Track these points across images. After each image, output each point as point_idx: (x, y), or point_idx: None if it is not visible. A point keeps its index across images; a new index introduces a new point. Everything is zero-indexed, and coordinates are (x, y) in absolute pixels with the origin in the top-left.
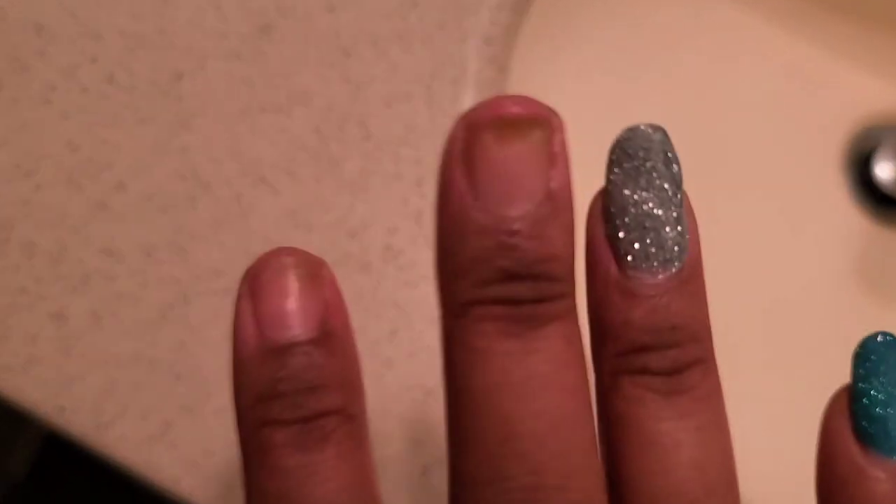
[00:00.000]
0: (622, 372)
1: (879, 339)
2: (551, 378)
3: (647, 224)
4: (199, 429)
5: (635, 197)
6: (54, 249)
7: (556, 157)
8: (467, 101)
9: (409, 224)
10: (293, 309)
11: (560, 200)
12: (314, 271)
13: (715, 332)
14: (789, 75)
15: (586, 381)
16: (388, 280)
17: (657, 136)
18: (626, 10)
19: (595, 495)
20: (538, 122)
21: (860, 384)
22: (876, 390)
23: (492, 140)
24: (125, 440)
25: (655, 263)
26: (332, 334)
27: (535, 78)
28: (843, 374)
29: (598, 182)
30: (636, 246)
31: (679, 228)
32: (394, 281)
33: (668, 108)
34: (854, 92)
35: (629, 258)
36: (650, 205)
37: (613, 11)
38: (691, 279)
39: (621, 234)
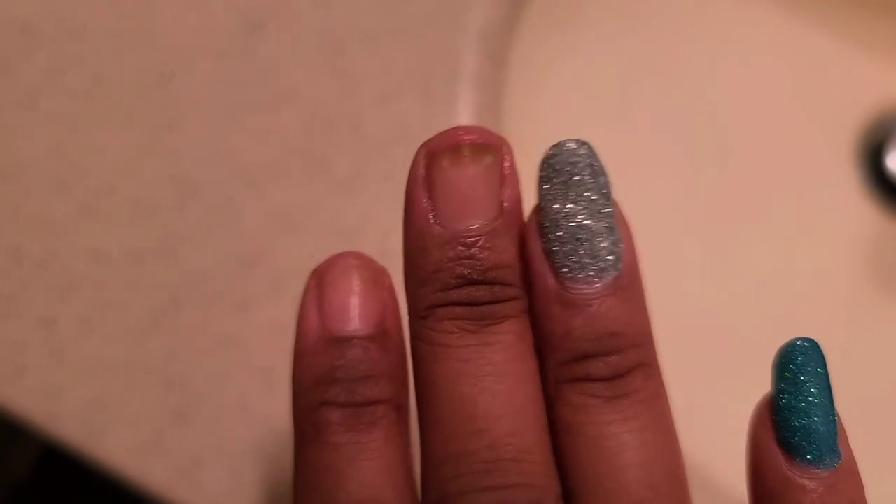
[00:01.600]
0: (565, 381)
1: (798, 345)
2: (505, 367)
3: (580, 236)
4: (190, 436)
5: (566, 210)
6: (42, 255)
7: (506, 178)
8: (464, 98)
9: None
10: (355, 306)
11: (511, 216)
12: (376, 276)
13: (727, 324)
14: (798, 66)
15: (537, 373)
16: None
17: (582, 151)
18: (624, 6)
19: (548, 470)
20: (489, 148)
21: (781, 396)
22: (797, 399)
23: (448, 164)
24: (117, 448)
25: (591, 273)
26: (388, 333)
27: (535, 73)
28: (853, 367)
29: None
30: (571, 258)
31: (612, 238)
32: None
33: (674, 102)
34: (865, 82)
35: (565, 270)
36: (581, 217)
37: (616, 3)
38: (629, 286)
39: (556, 248)
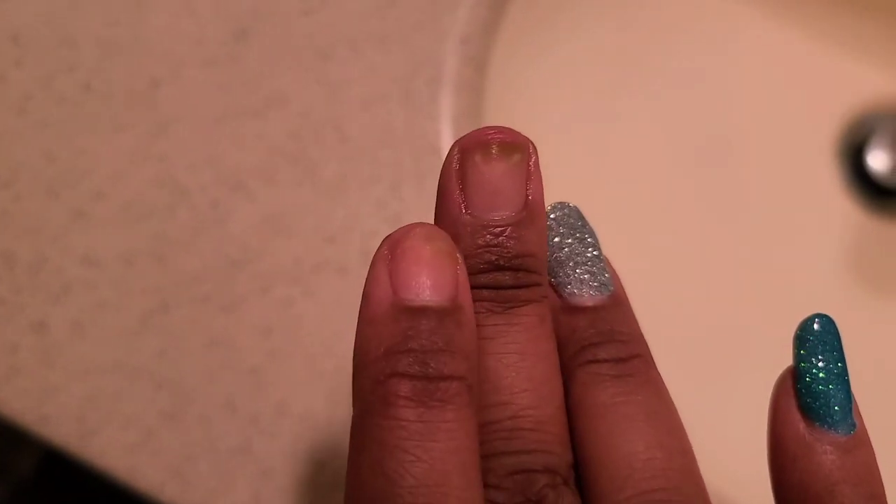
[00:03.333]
0: (576, 366)
1: (817, 321)
2: (527, 346)
3: (577, 260)
4: (181, 435)
5: (563, 243)
6: (34, 259)
7: (531, 175)
8: (445, 101)
9: (387, 227)
10: (430, 276)
11: (535, 209)
12: (451, 250)
13: (708, 323)
14: (780, 66)
15: (556, 351)
16: None
17: (570, 208)
18: (604, 9)
19: (563, 441)
20: (517, 146)
21: (802, 364)
22: (817, 369)
23: (480, 160)
24: (109, 448)
25: (588, 288)
26: (462, 308)
27: (514, 76)
28: None
29: (578, 179)
30: (570, 278)
31: (602, 267)
32: None
33: (654, 104)
34: (846, 82)
35: (566, 288)
36: (575, 246)
37: (594, 7)
38: (621, 303)
39: (557, 270)
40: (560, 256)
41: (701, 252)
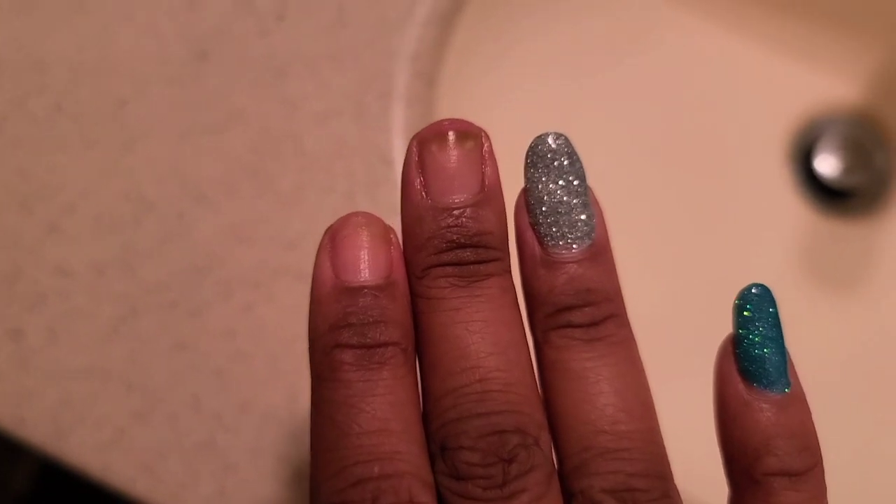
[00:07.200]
0: (551, 328)
1: (754, 290)
2: (491, 314)
3: (560, 210)
4: (150, 434)
5: (548, 190)
6: (10, 271)
7: (486, 159)
8: (396, 114)
9: None
10: (365, 259)
11: (491, 190)
12: (384, 233)
13: (659, 323)
14: (731, 73)
15: (520, 319)
16: None
17: (561, 140)
18: (554, 21)
19: (532, 401)
20: (470, 134)
21: (740, 330)
22: (753, 335)
23: (437, 149)
24: (82, 447)
25: (570, 240)
26: (395, 284)
27: (463, 90)
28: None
29: (520, 182)
30: (553, 229)
31: (587, 213)
32: None
33: (606, 115)
34: (794, 89)
35: (548, 238)
36: (560, 195)
37: (541, 24)
38: (601, 252)
39: (540, 221)
40: (543, 201)
41: (656, 253)
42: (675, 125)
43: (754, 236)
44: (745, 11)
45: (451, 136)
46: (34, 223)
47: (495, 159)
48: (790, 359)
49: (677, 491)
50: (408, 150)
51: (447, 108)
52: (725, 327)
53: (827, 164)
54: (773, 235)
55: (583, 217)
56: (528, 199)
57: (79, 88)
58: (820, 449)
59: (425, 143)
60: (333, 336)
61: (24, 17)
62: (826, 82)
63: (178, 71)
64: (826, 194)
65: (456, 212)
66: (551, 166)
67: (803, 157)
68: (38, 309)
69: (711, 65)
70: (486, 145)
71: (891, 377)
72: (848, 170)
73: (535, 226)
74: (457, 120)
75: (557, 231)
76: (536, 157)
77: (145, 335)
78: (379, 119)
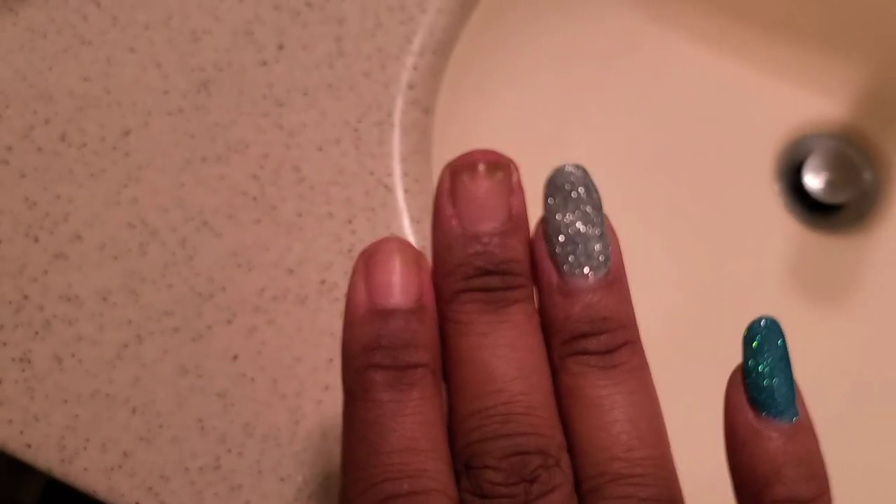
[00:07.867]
0: (567, 355)
1: (762, 322)
2: (517, 340)
3: (577, 240)
4: (154, 457)
5: (566, 220)
6: (16, 298)
7: (514, 190)
8: (393, 141)
9: (342, 259)
10: (397, 283)
11: (518, 220)
12: (416, 258)
13: (650, 337)
14: (722, 93)
15: (543, 345)
16: (323, 312)
17: (579, 172)
18: (545, 50)
19: (553, 424)
20: (500, 165)
21: (749, 361)
22: (762, 366)
23: (468, 179)
24: (88, 471)
25: (586, 270)
26: (425, 308)
27: (459, 118)
28: None
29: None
30: (570, 258)
31: (603, 242)
32: (329, 312)
33: (601, 136)
34: (784, 106)
35: (565, 267)
36: (578, 225)
37: (533, 53)
38: (616, 281)
39: (558, 250)
40: (560, 231)
41: (646, 268)
42: (666, 143)
43: (745, 250)
44: (736, 33)
45: (482, 167)
46: (40, 251)
47: (523, 190)
48: (798, 388)
49: None
50: (440, 179)
51: (444, 134)
52: (714, 340)
53: (815, 180)
54: (763, 249)
55: (598, 246)
56: (546, 228)
57: (83, 119)
58: (828, 477)
59: (457, 173)
60: (366, 357)
61: (29, 51)
62: (814, 101)
63: (180, 101)
64: (815, 209)
65: (485, 239)
66: (569, 197)
67: (793, 173)
68: (43, 336)
69: (703, 84)
70: (514, 176)
71: (878, 390)
72: (836, 185)
73: (553, 255)
74: (488, 151)
75: (574, 260)
76: (554, 188)
77: (149, 360)
78: (376, 146)
